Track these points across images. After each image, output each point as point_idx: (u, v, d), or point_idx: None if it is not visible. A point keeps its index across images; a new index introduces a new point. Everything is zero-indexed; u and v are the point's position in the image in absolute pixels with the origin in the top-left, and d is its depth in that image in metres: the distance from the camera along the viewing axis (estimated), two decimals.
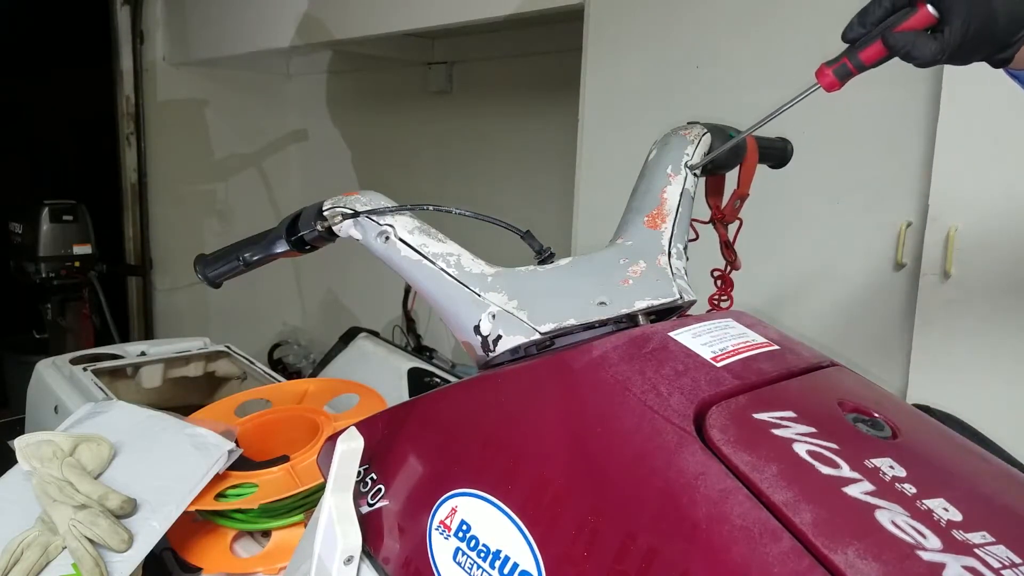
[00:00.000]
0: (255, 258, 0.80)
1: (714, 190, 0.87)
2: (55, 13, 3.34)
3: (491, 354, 0.65)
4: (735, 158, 0.84)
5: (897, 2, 0.67)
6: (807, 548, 0.43)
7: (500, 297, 0.66)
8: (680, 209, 0.74)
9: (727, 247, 0.87)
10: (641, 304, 0.66)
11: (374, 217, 0.72)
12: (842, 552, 0.43)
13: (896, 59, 0.68)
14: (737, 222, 0.86)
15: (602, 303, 0.65)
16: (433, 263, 0.69)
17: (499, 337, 0.64)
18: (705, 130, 0.81)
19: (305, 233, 0.76)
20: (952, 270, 1.43)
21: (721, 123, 0.84)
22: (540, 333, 0.64)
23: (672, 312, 0.70)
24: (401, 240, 0.70)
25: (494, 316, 0.65)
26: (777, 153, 0.92)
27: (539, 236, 0.74)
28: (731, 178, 0.87)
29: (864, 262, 1.59)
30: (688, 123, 0.83)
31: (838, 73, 0.68)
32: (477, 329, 0.66)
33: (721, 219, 0.85)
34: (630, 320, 0.66)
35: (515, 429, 0.57)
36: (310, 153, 4.03)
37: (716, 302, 0.88)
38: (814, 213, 1.65)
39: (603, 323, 0.65)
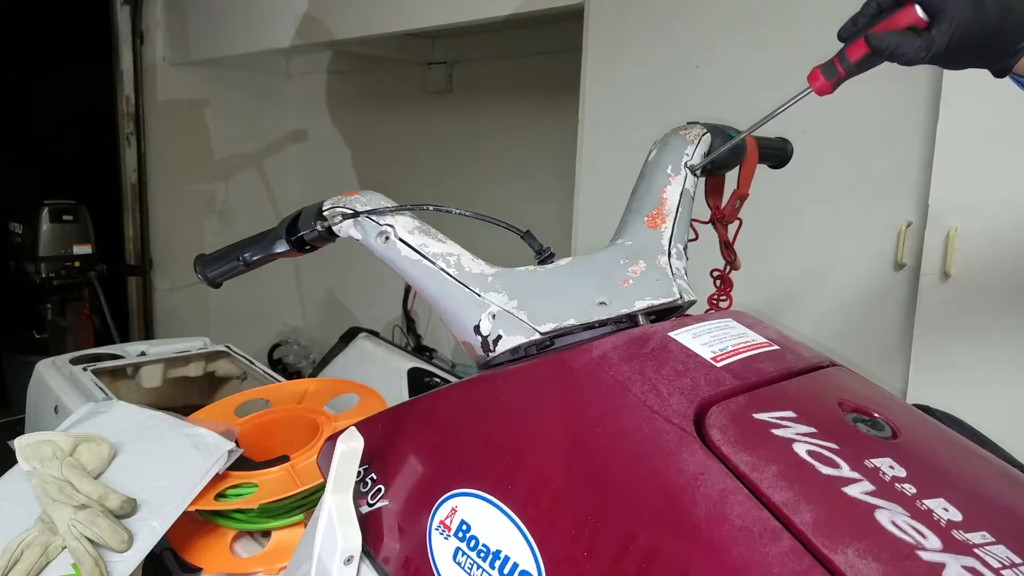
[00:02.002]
0: (255, 258, 0.80)
1: (714, 190, 0.87)
2: (55, 13, 3.34)
3: (491, 354, 0.65)
4: (735, 158, 0.84)
5: (884, 3, 0.67)
6: (807, 548, 0.43)
7: (500, 297, 0.66)
8: (680, 209, 0.74)
9: (727, 247, 0.86)
10: (641, 304, 0.66)
11: (374, 217, 0.72)
12: (842, 552, 0.43)
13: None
14: (737, 222, 0.86)
15: (602, 303, 0.65)
16: (433, 263, 0.69)
17: (499, 337, 0.64)
18: (705, 130, 0.80)
19: (305, 233, 0.76)
20: (952, 270, 1.43)
21: (721, 123, 0.84)
22: (540, 333, 0.64)
23: (672, 312, 0.70)
24: (401, 240, 0.70)
25: (494, 316, 0.65)
26: (777, 153, 0.92)
27: (539, 236, 0.74)
28: (731, 178, 0.87)
29: (864, 262, 1.59)
30: (688, 123, 0.83)
31: (826, 73, 0.68)
32: (477, 329, 0.66)
33: (721, 219, 0.85)
34: (630, 320, 0.66)
35: (515, 429, 0.57)
36: (310, 153, 4.03)
37: (715, 302, 0.88)
38: (814, 213, 1.65)
39: (603, 323, 0.65)
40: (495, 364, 0.67)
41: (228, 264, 0.81)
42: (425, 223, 0.73)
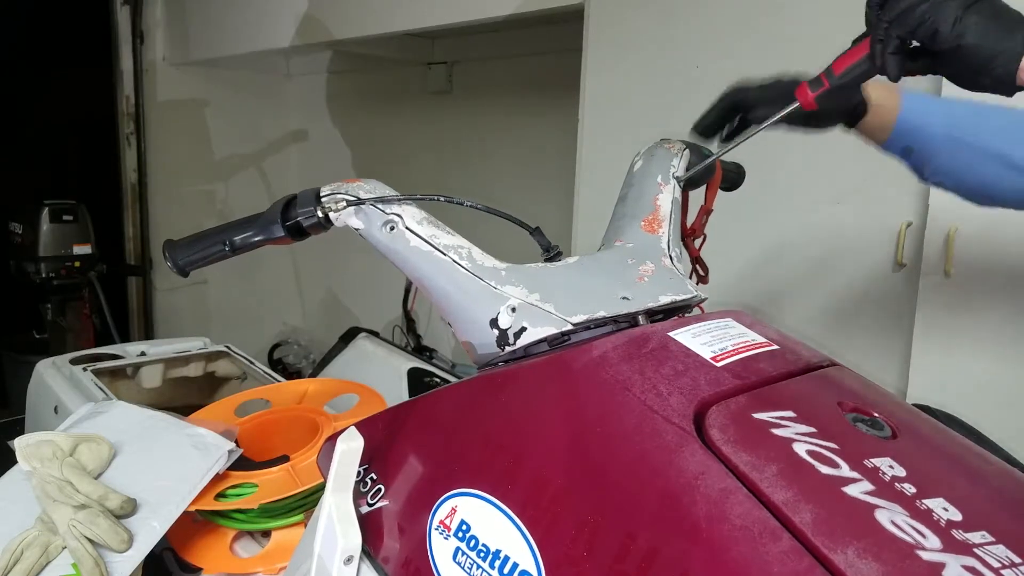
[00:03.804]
0: (247, 242, 0.74)
1: (681, 207, 0.89)
2: (55, 13, 3.34)
3: (509, 348, 0.65)
4: (707, 175, 0.87)
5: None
6: (807, 548, 0.43)
7: (519, 290, 0.66)
8: (673, 216, 0.76)
9: (698, 261, 0.88)
10: (665, 299, 0.67)
11: (379, 206, 0.70)
12: (842, 552, 0.43)
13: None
14: (702, 237, 0.88)
15: (625, 298, 0.66)
16: (444, 254, 0.68)
17: (523, 330, 0.64)
18: (685, 145, 0.83)
19: (303, 219, 0.71)
20: (952, 270, 1.43)
21: (694, 142, 0.87)
22: (572, 324, 0.64)
23: (673, 312, 0.71)
24: (409, 230, 0.68)
25: (514, 309, 0.65)
26: (732, 176, 0.95)
27: None
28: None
29: (864, 262, 1.59)
30: (661, 139, 0.85)
31: (812, 86, 0.72)
32: (495, 323, 0.65)
33: (691, 234, 0.87)
34: (629, 320, 0.66)
35: (515, 429, 0.57)
36: (310, 153, 4.03)
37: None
38: (814, 213, 1.65)
39: (603, 322, 0.66)
40: (495, 364, 0.67)
41: (211, 248, 0.75)
42: (432, 215, 0.71)
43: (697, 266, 0.88)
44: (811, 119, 0.89)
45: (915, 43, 0.67)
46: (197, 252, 0.76)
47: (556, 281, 0.67)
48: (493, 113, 3.22)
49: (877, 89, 0.93)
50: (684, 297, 0.69)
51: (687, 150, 0.83)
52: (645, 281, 0.68)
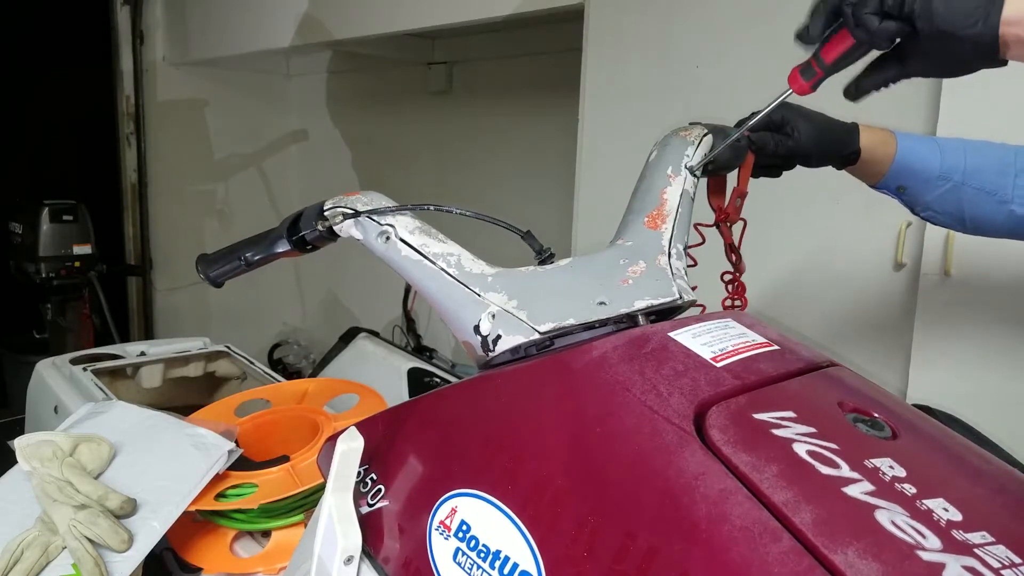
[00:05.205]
0: (256, 257, 0.81)
1: (716, 191, 0.87)
2: (55, 13, 3.34)
3: (491, 354, 0.65)
4: (736, 158, 0.84)
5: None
6: (807, 548, 0.43)
7: (500, 297, 0.66)
8: (680, 210, 0.74)
9: (732, 249, 0.85)
10: (641, 304, 0.66)
11: (375, 217, 0.73)
12: (842, 552, 0.43)
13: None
14: (741, 223, 0.85)
15: (601, 303, 0.65)
16: (433, 263, 0.69)
17: (499, 337, 0.64)
18: (706, 131, 0.80)
19: (306, 233, 0.77)
20: (952, 270, 1.43)
21: (721, 123, 0.84)
22: (539, 333, 0.64)
23: (672, 312, 0.70)
24: (402, 240, 0.71)
25: (494, 316, 0.65)
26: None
27: (539, 236, 0.74)
28: (731, 179, 0.87)
29: (864, 262, 1.59)
30: (689, 124, 0.83)
31: (804, 74, 0.70)
32: (477, 329, 0.66)
33: (725, 219, 0.84)
34: (630, 320, 0.66)
35: (515, 429, 0.57)
36: (310, 153, 4.03)
37: (729, 306, 0.87)
38: (814, 213, 1.65)
39: (603, 323, 0.65)
40: (495, 364, 0.67)
41: (230, 264, 0.82)
42: (426, 223, 0.73)
43: (731, 254, 0.84)
44: (799, 160, 0.90)
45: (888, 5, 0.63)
46: (221, 267, 0.82)
47: (538, 286, 0.66)
48: (493, 113, 3.22)
49: (873, 135, 0.92)
50: (663, 301, 0.66)
51: (708, 135, 0.79)
52: (629, 284, 0.67)
